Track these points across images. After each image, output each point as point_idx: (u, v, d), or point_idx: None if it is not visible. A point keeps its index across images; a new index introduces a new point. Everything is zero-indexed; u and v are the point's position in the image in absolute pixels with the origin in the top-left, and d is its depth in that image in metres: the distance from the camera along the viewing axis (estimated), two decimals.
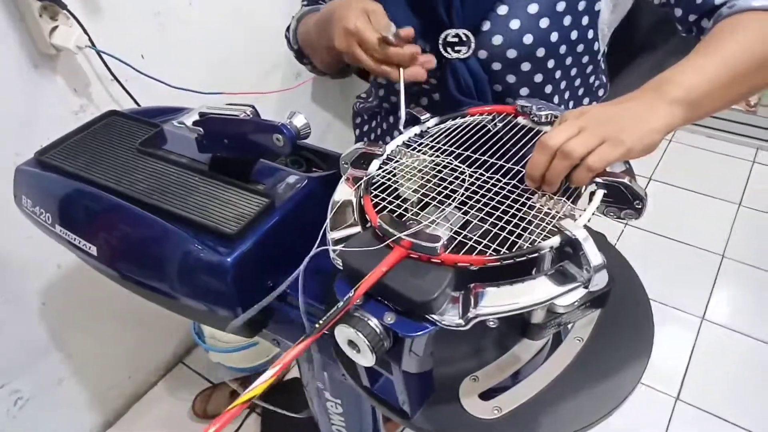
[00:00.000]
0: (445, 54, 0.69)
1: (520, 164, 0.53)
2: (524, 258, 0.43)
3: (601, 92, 0.85)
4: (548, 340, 0.56)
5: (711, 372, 1.61)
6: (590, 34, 0.71)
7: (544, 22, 0.66)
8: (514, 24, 0.65)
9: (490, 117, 0.61)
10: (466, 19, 0.66)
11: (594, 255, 0.41)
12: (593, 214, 0.46)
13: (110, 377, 1.51)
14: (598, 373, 0.54)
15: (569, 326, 0.58)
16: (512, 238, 0.46)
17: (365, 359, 0.42)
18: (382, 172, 0.55)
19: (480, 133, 0.60)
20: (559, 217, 0.46)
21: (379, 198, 0.52)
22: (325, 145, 0.82)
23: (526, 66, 0.68)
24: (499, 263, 0.43)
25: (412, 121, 0.61)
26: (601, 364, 0.55)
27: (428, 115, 0.61)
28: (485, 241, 0.46)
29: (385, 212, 0.49)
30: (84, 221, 0.74)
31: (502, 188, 0.52)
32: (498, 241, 0.46)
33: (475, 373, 0.55)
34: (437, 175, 0.56)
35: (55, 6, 1.01)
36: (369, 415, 0.87)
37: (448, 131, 0.61)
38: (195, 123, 0.68)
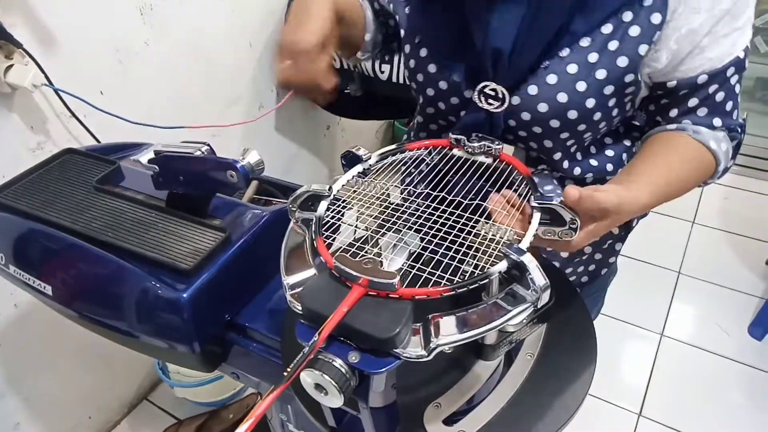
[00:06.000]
0: (478, 102, 0.68)
1: (461, 194, 0.56)
2: (476, 285, 0.45)
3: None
4: (501, 359, 0.58)
5: (672, 387, 1.65)
6: (628, 106, 0.70)
7: (581, 86, 0.64)
8: (551, 79, 0.65)
9: (426, 151, 0.64)
10: (508, 78, 0.66)
11: (539, 276, 0.44)
12: (533, 235, 0.48)
13: (70, 418, 1.46)
14: (551, 385, 0.57)
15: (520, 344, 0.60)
16: (462, 266, 0.48)
17: (334, 401, 0.42)
18: (331, 212, 0.56)
19: (420, 167, 0.63)
20: (503, 242, 0.48)
21: (331, 239, 0.53)
22: (291, 176, 0.83)
23: (555, 123, 0.67)
24: (453, 292, 0.45)
25: (353, 160, 0.62)
26: (553, 376, 0.57)
27: (367, 152, 0.62)
28: (438, 272, 0.47)
29: (338, 252, 0.50)
30: (39, 261, 0.74)
31: (447, 219, 0.54)
32: (449, 270, 0.47)
33: (437, 400, 0.56)
34: (384, 212, 0.57)
35: (9, 45, 1.01)
36: None
37: (389, 167, 0.63)
38: (150, 161, 0.69)
